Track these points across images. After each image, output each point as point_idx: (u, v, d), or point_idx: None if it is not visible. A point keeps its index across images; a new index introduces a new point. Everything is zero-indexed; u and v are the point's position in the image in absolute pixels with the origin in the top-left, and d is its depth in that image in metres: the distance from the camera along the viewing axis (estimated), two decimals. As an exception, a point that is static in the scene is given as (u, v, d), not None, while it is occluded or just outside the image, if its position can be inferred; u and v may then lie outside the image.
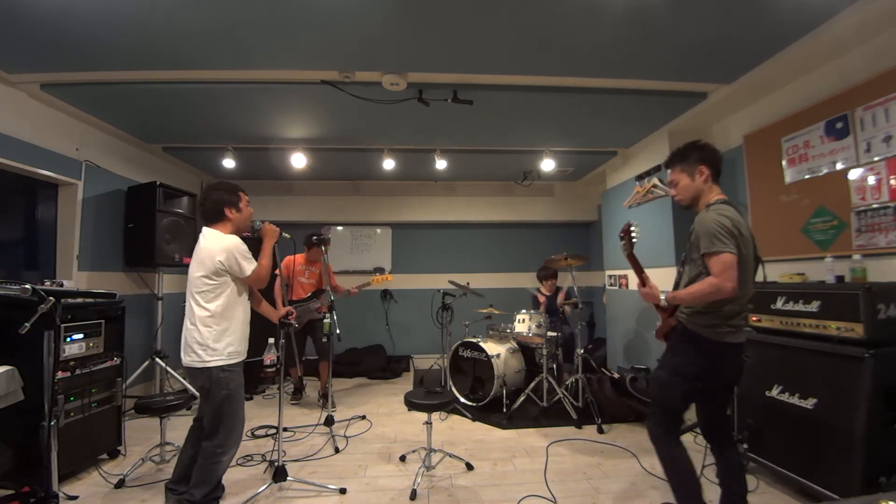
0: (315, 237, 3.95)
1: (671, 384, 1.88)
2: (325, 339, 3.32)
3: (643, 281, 1.99)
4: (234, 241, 2.11)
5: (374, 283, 4.16)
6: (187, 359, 2.06)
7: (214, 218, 2.18)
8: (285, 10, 2.17)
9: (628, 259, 2.11)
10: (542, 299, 4.62)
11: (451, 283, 4.37)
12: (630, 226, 2.11)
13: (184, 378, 3.58)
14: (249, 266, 2.10)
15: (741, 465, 1.93)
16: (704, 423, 2.00)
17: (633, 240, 2.11)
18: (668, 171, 2.02)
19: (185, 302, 2.15)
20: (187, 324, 2.09)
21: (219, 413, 2.07)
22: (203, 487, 2.04)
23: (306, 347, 4.26)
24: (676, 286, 1.98)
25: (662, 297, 1.93)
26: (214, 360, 2.03)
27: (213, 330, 2.05)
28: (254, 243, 2.29)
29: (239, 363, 2.13)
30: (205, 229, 2.17)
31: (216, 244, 2.08)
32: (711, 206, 1.83)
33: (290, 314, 2.50)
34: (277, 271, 3.14)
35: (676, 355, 1.90)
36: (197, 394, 2.21)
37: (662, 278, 3.15)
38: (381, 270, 5.84)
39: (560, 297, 4.54)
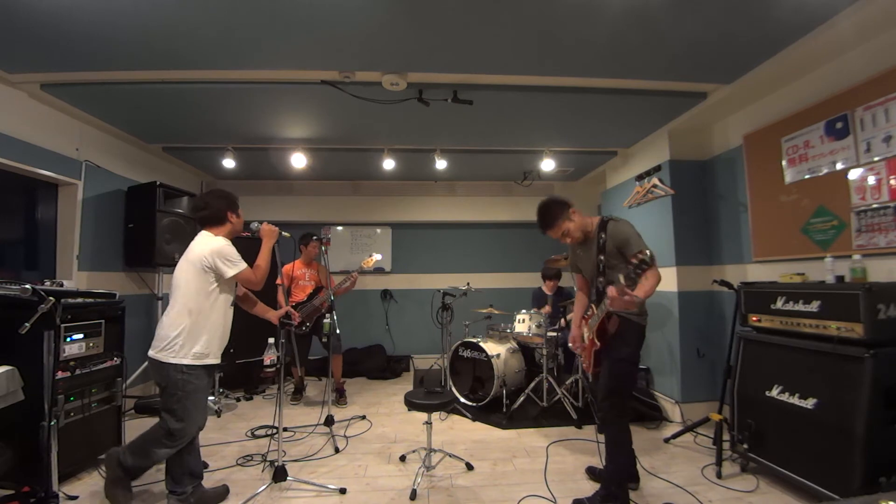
0: (315, 237, 4.04)
1: (632, 372, 2.23)
2: (325, 340, 3.34)
3: (626, 292, 1.88)
4: (222, 243, 2.17)
5: (365, 265, 4.08)
6: (151, 351, 2.09)
7: (213, 222, 2.25)
8: (286, 11, 2.17)
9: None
10: (548, 308, 4.54)
11: (446, 293, 4.40)
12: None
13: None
14: (232, 269, 2.13)
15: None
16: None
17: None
18: (548, 232, 2.32)
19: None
20: (163, 317, 2.13)
21: (171, 411, 2.08)
22: (134, 458, 2.10)
23: (312, 347, 4.29)
24: (599, 294, 2.19)
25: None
26: (175, 359, 2.05)
27: (184, 328, 2.07)
28: (254, 244, 2.30)
29: (203, 366, 2.12)
30: (200, 232, 2.24)
31: (206, 244, 2.15)
32: (612, 219, 2.22)
33: (292, 315, 2.52)
34: (279, 280, 3.23)
35: (629, 347, 2.18)
36: None
37: (664, 277, 3.14)
38: (381, 270, 5.85)
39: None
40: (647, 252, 1.79)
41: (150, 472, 2.59)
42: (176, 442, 2.09)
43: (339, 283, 4.09)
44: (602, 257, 2.19)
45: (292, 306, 3.98)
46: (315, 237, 4.13)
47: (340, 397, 4.14)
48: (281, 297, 3.80)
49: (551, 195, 2.38)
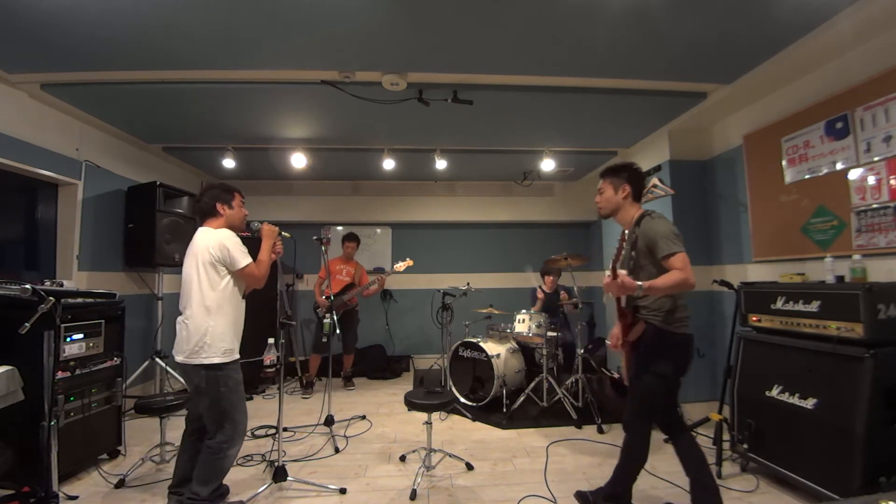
0: (353, 239, 4.65)
1: (657, 386, 1.99)
2: (324, 340, 3.37)
3: (616, 273, 1.90)
4: (227, 234, 2.13)
5: (397, 269, 4.36)
6: (181, 357, 2.05)
7: (207, 214, 2.22)
8: (286, 11, 2.17)
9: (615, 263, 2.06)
10: (540, 295, 4.62)
11: (446, 293, 4.45)
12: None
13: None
14: (243, 259, 2.10)
15: (700, 448, 2.03)
16: (665, 416, 2.10)
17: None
18: (601, 177, 2.21)
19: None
20: (181, 320, 2.09)
21: (220, 409, 2.06)
22: (210, 484, 2.03)
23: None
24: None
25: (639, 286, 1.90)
26: (208, 360, 2.02)
27: (209, 327, 2.03)
28: (254, 244, 2.29)
29: (235, 361, 2.12)
30: (199, 229, 2.21)
31: (209, 238, 2.11)
32: (649, 214, 2.03)
33: (320, 304, 2.50)
34: (321, 273, 3.45)
35: (656, 358, 2.00)
36: None
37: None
38: (380, 270, 5.85)
39: (562, 297, 4.51)
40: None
41: (150, 473, 2.60)
42: (237, 442, 2.10)
43: (367, 283, 4.53)
44: (633, 254, 2.03)
45: (326, 297, 4.36)
46: (315, 237, 4.23)
47: (348, 382, 4.71)
48: (317, 290, 4.51)
49: (631, 163, 2.19)
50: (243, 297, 2.23)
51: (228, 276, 2.11)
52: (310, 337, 5.04)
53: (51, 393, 2.04)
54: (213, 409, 2.06)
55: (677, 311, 2.00)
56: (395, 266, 4.33)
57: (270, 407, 3.96)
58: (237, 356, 2.15)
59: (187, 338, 2.04)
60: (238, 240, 2.14)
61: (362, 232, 5.96)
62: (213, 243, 2.08)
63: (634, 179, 2.13)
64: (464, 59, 2.68)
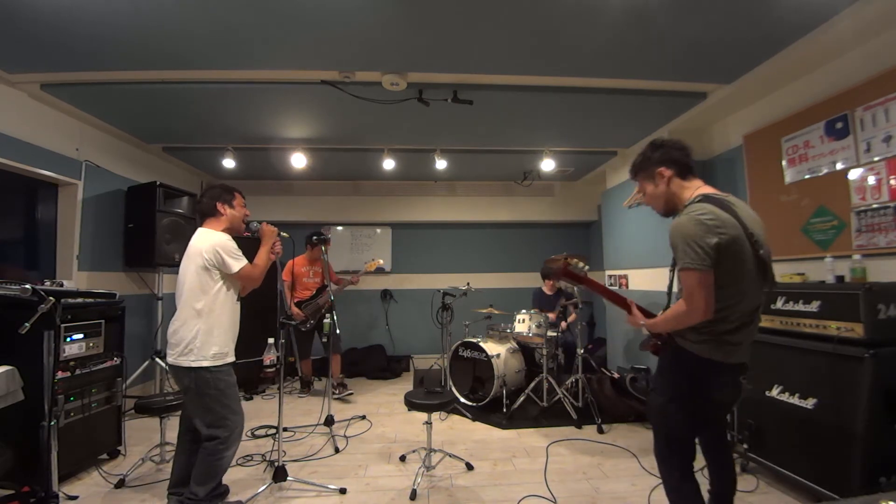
0: (314, 237, 4.12)
1: (670, 409, 1.65)
2: (325, 340, 3.36)
3: (629, 309, 1.81)
4: (221, 238, 2.11)
5: (368, 268, 4.30)
6: (171, 358, 2.04)
7: (207, 214, 2.21)
8: (286, 11, 2.17)
9: (603, 294, 1.93)
10: (552, 316, 4.30)
11: (446, 293, 4.42)
12: (567, 264, 1.89)
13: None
14: (237, 263, 2.08)
15: (735, 482, 1.90)
16: (704, 447, 1.90)
17: (583, 271, 1.91)
18: (634, 179, 1.84)
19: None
20: (173, 321, 2.08)
21: (210, 412, 2.04)
22: (207, 485, 2.03)
23: (313, 346, 4.47)
24: (670, 289, 1.80)
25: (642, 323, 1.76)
26: (196, 362, 2.00)
27: (198, 329, 2.02)
28: (254, 244, 2.29)
29: (227, 364, 2.09)
30: (198, 229, 2.19)
31: (203, 241, 2.09)
32: (687, 206, 1.62)
33: (296, 314, 2.50)
34: (283, 276, 3.33)
35: (671, 375, 1.70)
36: None
37: (663, 278, 3.14)
38: (381, 270, 5.85)
39: (571, 317, 4.26)
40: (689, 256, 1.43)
41: (150, 473, 2.60)
42: (233, 444, 2.08)
43: (346, 283, 4.40)
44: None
45: (297, 303, 4.21)
46: (316, 237, 4.21)
47: (344, 388, 4.34)
48: (288, 293, 4.23)
49: (655, 140, 1.82)
50: (238, 299, 2.22)
51: (221, 281, 2.10)
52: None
53: (51, 393, 2.04)
54: (203, 412, 2.04)
55: (701, 332, 1.54)
56: (365, 265, 4.28)
57: (270, 407, 3.96)
58: (230, 359, 2.12)
59: (177, 340, 2.03)
60: (232, 244, 2.12)
61: (362, 232, 5.97)
62: (206, 247, 2.06)
63: (669, 157, 1.73)
64: (464, 59, 2.68)
